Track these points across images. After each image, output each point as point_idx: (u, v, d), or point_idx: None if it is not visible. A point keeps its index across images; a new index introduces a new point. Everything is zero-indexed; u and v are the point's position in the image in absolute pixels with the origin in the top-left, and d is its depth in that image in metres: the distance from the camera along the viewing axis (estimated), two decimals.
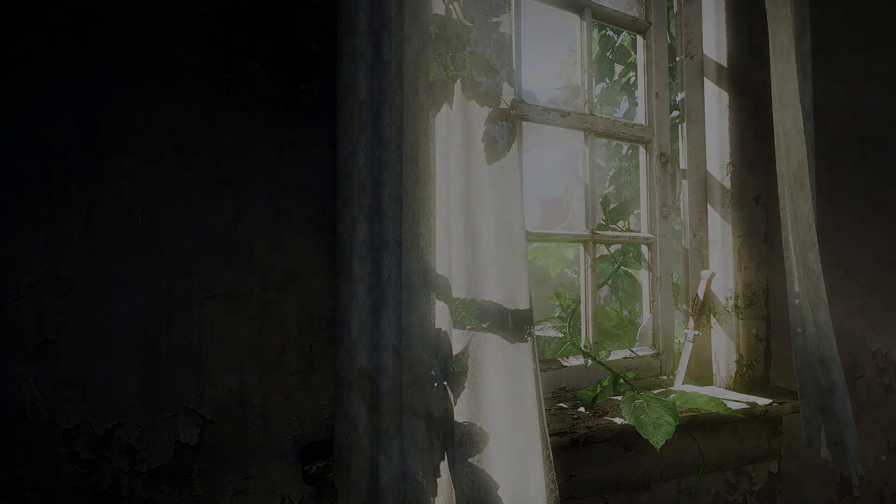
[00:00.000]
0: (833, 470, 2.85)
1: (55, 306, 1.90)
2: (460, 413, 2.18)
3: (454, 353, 2.19)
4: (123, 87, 1.99)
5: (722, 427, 2.89)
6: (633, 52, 3.95)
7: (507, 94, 2.25)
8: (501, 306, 2.18)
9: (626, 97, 4.23)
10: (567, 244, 4.02)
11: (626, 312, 4.24)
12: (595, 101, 3.11)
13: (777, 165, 2.71)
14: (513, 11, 2.36)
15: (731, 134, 3.13)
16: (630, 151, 4.32)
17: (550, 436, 2.41)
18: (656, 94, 3.12)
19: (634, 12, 3.16)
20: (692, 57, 3.20)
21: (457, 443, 2.16)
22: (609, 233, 3.32)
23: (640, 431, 2.28)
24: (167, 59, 2.05)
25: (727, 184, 3.12)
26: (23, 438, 1.86)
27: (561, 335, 4.03)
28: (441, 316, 2.18)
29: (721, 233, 3.13)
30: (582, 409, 2.64)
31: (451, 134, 2.20)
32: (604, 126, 2.94)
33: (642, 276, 3.18)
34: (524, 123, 2.65)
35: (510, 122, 2.25)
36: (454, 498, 2.08)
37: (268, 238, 2.18)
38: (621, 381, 2.66)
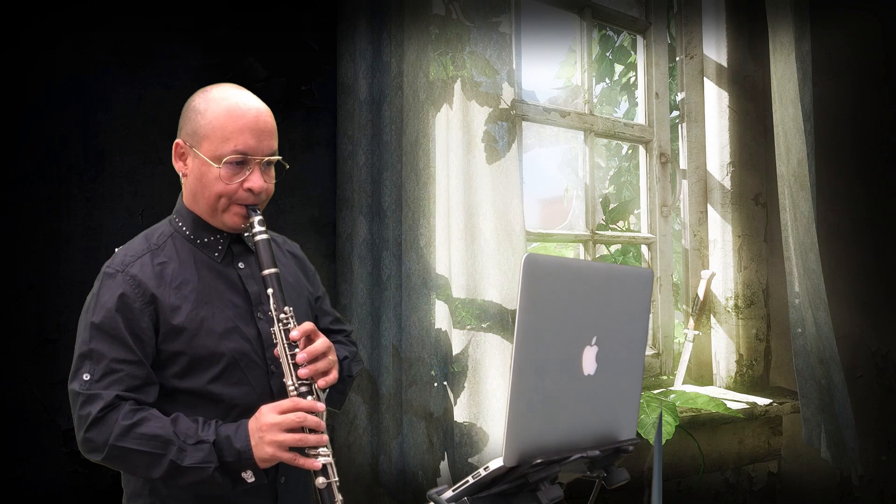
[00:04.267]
0: (833, 470, 2.84)
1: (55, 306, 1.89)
2: (460, 413, 2.18)
3: (454, 353, 2.19)
4: (125, 87, 1.99)
5: (722, 427, 2.89)
6: (633, 52, 3.94)
7: (507, 94, 2.24)
8: (501, 306, 2.18)
9: (626, 97, 4.23)
10: (567, 244, 4.02)
11: None
12: (595, 101, 3.11)
13: (777, 165, 2.70)
14: (513, 11, 2.36)
15: (731, 134, 3.12)
16: (630, 151, 4.32)
17: None
18: (656, 94, 3.11)
19: (634, 12, 3.16)
20: (692, 57, 3.20)
21: (457, 443, 2.15)
22: (609, 233, 3.32)
23: (639, 431, 2.28)
24: (168, 58, 2.05)
25: (727, 184, 3.11)
26: (23, 438, 1.86)
27: None
28: (441, 316, 2.17)
29: (721, 233, 3.12)
30: None
31: (451, 134, 2.20)
32: (604, 126, 2.94)
33: None
34: (524, 123, 2.65)
35: (510, 121, 2.24)
36: None
37: None
38: None
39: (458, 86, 2.20)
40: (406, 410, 2.12)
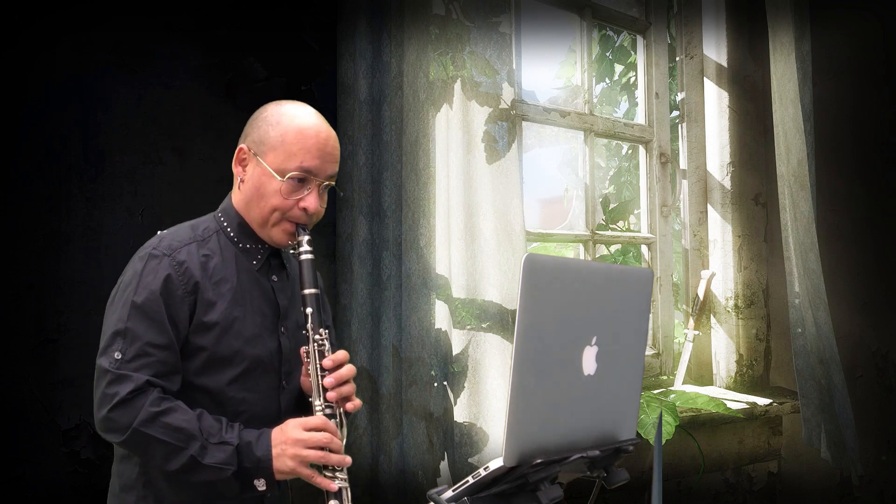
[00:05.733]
0: (833, 470, 2.84)
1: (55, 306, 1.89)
2: (460, 413, 2.18)
3: (454, 353, 2.19)
4: (125, 87, 1.99)
5: (722, 427, 2.88)
6: (633, 52, 3.94)
7: (507, 94, 2.24)
8: (501, 306, 2.18)
9: (626, 97, 4.23)
10: (567, 244, 4.02)
11: None
12: (595, 101, 3.11)
13: (777, 165, 2.70)
14: (513, 11, 2.36)
15: (731, 134, 3.12)
16: (630, 151, 4.32)
17: None
18: (656, 94, 3.11)
19: (634, 12, 3.16)
20: (692, 57, 3.20)
21: (457, 443, 2.15)
22: (609, 233, 3.32)
23: (639, 431, 2.28)
24: (168, 58, 2.05)
25: (727, 184, 3.11)
26: (23, 438, 1.86)
27: None
28: (441, 316, 2.17)
29: (721, 233, 3.12)
30: None
31: (451, 134, 2.20)
32: (604, 126, 2.94)
33: None
34: (524, 123, 2.65)
35: (510, 121, 2.24)
36: None
37: None
38: None
39: (458, 86, 2.20)
40: (406, 410, 2.12)
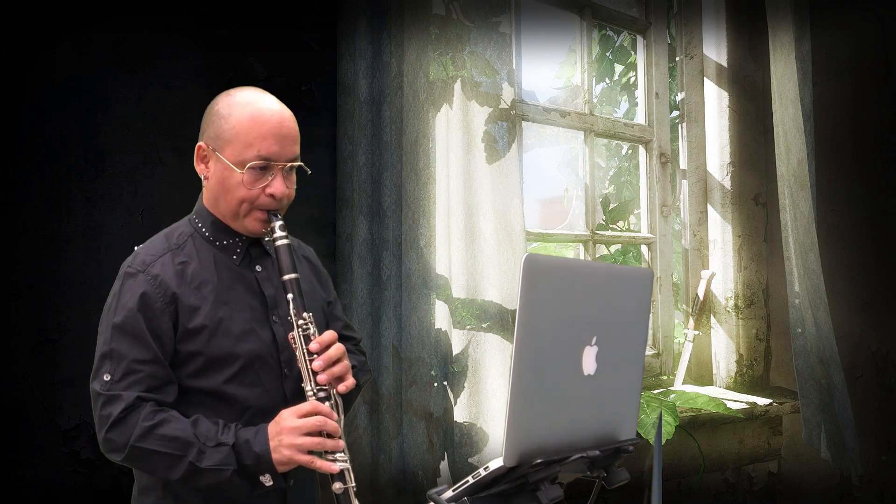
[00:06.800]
0: (833, 470, 2.84)
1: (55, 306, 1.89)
2: (460, 413, 2.18)
3: (454, 353, 2.19)
4: (125, 87, 1.99)
5: (722, 427, 2.88)
6: (633, 52, 3.94)
7: (507, 94, 2.25)
8: (501, 306, 2.18)
9: (626, 97, 4.23)
10: (567, 244, 4.02)
11: None
12: (595, 101, 3.11)
13: (777, 165, 2.70)
14: (513, 11, 2.36)
15: (731, 134, 3.12)
16: (630, 151, 4.32)
17: None
18: (656, 94, 3.11)
19: (634, 12, 3.16)
20: (692, 57, 3.20)
21: (457, 443, 2.16)
22: (609, 233, 3.32)
23: (639, 431, 2.28)
24: (168, 58, 2.05)
25: (727, 184, 3.11)
26: (23, 438, 1.86)
27: None
28: (441, 316, 2.18)
29: (721, 233, 3.12)
30: None
31: (451, 134, 2.20)
32: (604, 126, 2.94)
33: None
34: (524, 123, 2.65)
35: (510, 121, 2.25)
36: None
37: None
38: None
39: (458, 86, 2.20)
40: (406, 410, 2.12)
